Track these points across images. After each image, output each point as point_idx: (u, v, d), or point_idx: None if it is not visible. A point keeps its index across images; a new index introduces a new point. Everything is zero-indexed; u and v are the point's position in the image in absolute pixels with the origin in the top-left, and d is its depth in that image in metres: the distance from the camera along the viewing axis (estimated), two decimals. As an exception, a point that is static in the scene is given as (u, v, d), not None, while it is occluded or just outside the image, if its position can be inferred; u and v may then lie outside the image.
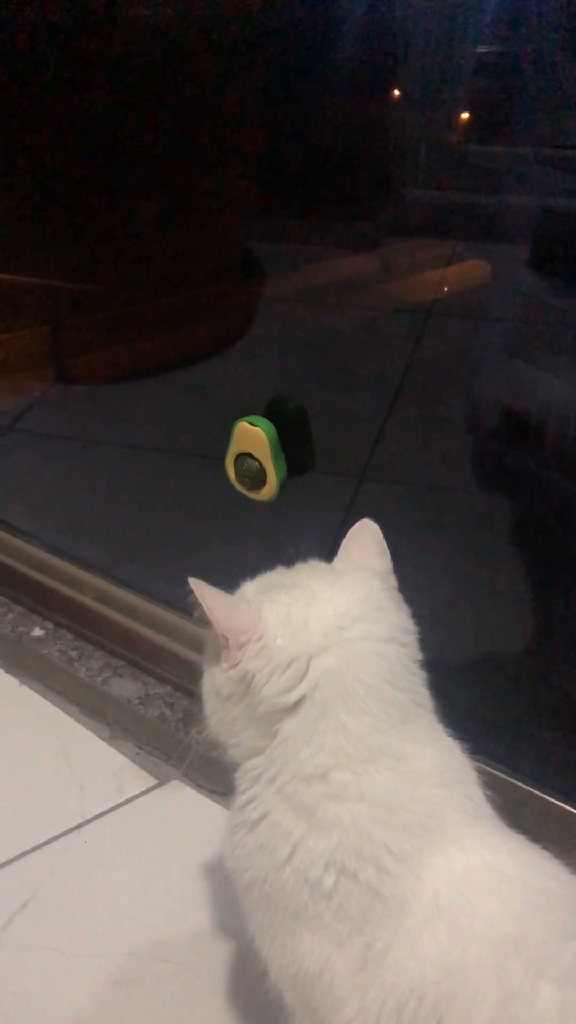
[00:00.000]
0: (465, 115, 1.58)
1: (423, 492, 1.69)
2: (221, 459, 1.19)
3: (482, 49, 1.50)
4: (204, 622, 0.79)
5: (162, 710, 1.42)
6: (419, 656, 0.81)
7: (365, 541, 0.87)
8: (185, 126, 1.87)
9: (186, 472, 1.86)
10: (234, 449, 1.15)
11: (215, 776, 1.32)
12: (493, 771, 1.10)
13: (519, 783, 1.20)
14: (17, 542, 1.69)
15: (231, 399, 1.88)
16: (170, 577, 1.57)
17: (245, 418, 1.13)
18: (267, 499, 1.15)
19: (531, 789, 1.20)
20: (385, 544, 0.87)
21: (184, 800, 1.33)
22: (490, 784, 0.81)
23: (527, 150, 1.51)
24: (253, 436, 1.12)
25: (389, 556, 0.86)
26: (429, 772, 0.76)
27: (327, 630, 0.77)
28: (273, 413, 1.14)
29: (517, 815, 0.84)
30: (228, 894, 1.13)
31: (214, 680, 0.80)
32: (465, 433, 1.65)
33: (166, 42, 1.79)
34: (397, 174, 1.78)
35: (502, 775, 1.18)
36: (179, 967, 1.10)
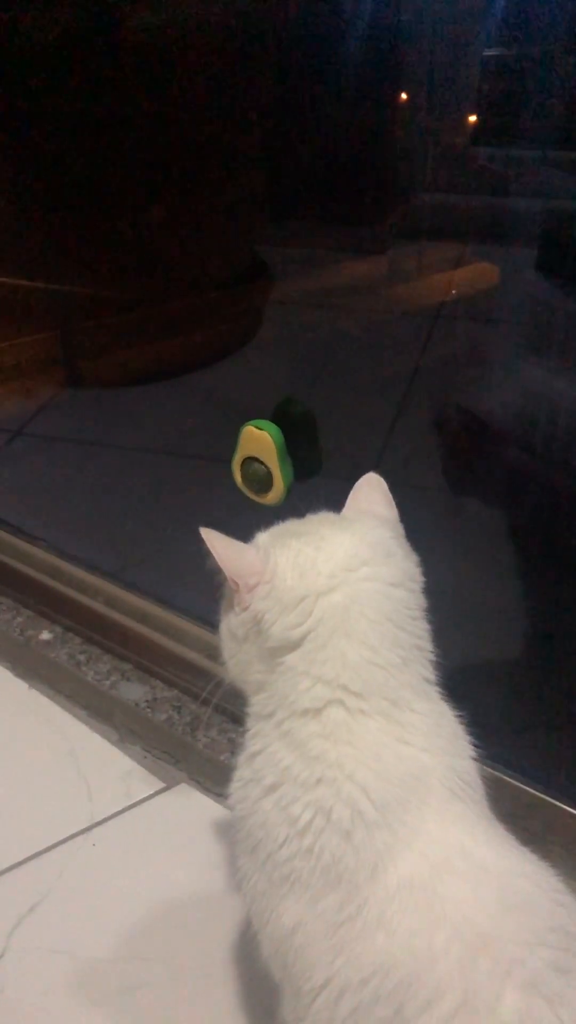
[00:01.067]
0: (472, 118, 1.58)
1: (432, 495, 1.69)
2: (228, 462, 1.19)
3: (489, 51, 1.51)
4: (216, 571, 0.81)
5: (170, 714, 1.42)
6: (424, 604, 0.83)
7: (372, 492, 0.89)
8: (193, 130, 1.87)
9: (195, 476, 1.86)
10: (241, 453, 1.15)
11: (223, 779, 1.32)
12: (500, 776, 1.11)
13: (526, 788, 1.20)
14: (26, 546, 1.69)
15: (239, 402, 1.88)
16: (178, 581, 1.59)
17: (252, 422, 1.13)
18: (274, 503, 1.15)
19: (539, 794, 1.19)
20: (391, 495, 0.89)
21: (192, 803, 1.33)
22: (497, 789, 0.81)
23: (534, 152, 1.51)
24: (260, 440, 1.12)
25: (395, 506, 0.88)
26: (419, 729, 0.78)
27: (335, 571, 0.79)
28: (280, 417, 1.14)
29: (525, 820, 0.84)
30: (239, 897, 1.15)
31: (229, 624, 0.84)
32: (454, 436, 1.64)
33: (174, 46, 1.80)
34: (405, 177, 1.78)
35: (509, 779, 1.18)
36: (188, 971, 1.10)
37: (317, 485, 1.31)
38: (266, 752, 0.80)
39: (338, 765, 0.75)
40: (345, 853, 0.73)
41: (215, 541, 0.79)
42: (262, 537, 0.85)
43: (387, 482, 0.91)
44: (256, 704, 0.83)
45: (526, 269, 1.61)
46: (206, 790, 1.34)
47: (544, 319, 1.61)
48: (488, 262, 1.81)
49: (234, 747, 1.35)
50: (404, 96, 1.67)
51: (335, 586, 0.78)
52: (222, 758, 1.34)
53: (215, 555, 0.79)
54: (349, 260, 2.07)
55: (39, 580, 1.65)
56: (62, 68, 1.82)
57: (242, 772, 0.83)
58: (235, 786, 0.84)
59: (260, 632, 0.80)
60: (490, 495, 1.51)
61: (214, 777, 1.34)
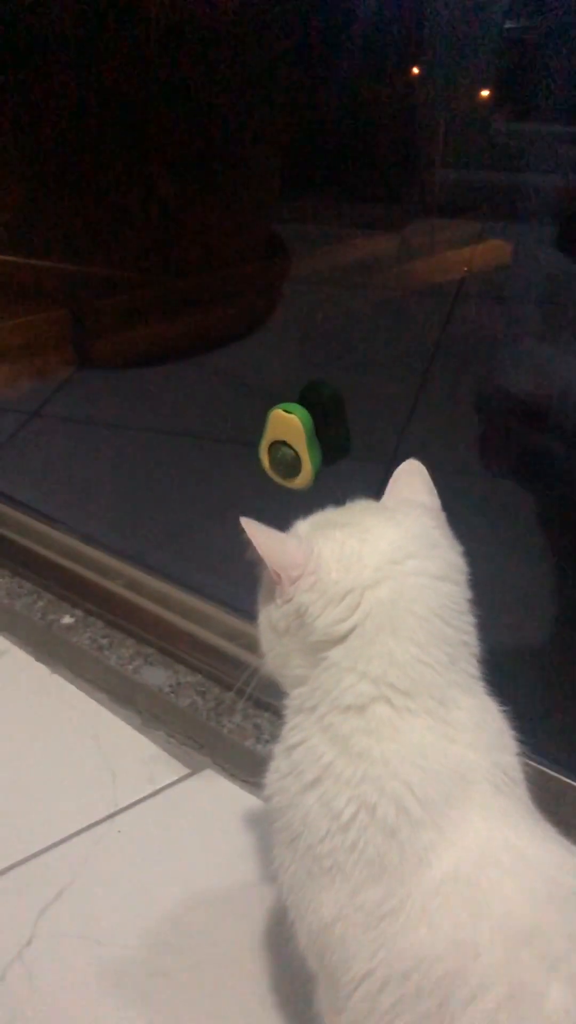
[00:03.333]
0: (488, 92, 1.56)
1: (454, 476, 1.66)
2: (251, 445, 1.17)
3: (509, 24, 1.48)
4: (257, 562, 0.79)
5: (193, 699, 1.41)
6: (469, 596, 0.81)
7: (413, 479, 0.87)
8: (206, 105, 1.85)
9: (215, 458, 1.85)
10: (268, 437, 1.13)
11: (248, 765, 1.31)
12: (529, 762, 1.09)
13: (556, 774, 1.18)
14: (46, 529, 1.68)
15: (258, 383, 1.87)
16: (201, 564, 1.57)
17: (280, 405, 1.11)
18: (302, 487, 1.13)
19: (569, 780, 1.18)
20: (432, 483, 0.87)
21: (217, 789, 1.32)
22: (527, 776, 0.80)
23: (555, 128, 1.49)
24: (288, 424, 1.10)
25: (437, 494, 0.86)
26: (465, 726, 0.76)
27: (381, 564, 0.77)
28: (308, 400, 1.12)
29: (556, 806, 0.82)
30: (265, 885, 1.14)
31: (269, 616, 0.82)
32: (482, 415, 1.62)
33: (187, 17, 1.77)
34: (423, 153, 1.76)
35: (538, 766, 1.16)
36: (214, 960, 1.10)
37: (339, 468, 1.29)
38: (306, 746, 0.79)
39: (383, 762, 0.74)
40: (389, 849, 0.72)
41: (256, 531, 0.77)
42: (302, 526, 0.83)
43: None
44: (296, 697, 0.81)
45: (544, 246, 1.59)
46: (231, 776, 1.33)
47: (565, 296, 1.60)
48: (506, 239, 1.79)
49: (259, 732, 1.34)
50: (415, 71, 1.64)
51: (381, 580, 0.76)
52: (247, 744, 1.33)
53: (256, 546, 0.77)
54: (366, 237, 2.04)
55: (60, 563, 1.63)
56: (73, 44, 1.80)
57: (279, 763, 0.82)
58: (272, 777, 0.82)
59: (303, 626, 0.78)
60: (523, 476, 1.48)
61: (239, 763, 1.33)
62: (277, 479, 1.14)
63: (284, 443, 1.11)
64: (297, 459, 1.11)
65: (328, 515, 0.84)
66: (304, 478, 1.12)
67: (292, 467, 1.12)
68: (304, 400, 1.12)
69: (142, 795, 1.31)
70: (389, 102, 1.71)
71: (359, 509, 0.84)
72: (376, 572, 0.77)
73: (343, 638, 0.77)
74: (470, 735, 0.76)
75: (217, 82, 1.82)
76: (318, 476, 1.12)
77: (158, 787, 1.33)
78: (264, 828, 0.91)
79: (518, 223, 1.69)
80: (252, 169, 1.97)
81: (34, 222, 2.00)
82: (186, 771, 1.35)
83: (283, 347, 2.02)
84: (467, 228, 1.91)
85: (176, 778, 1.34)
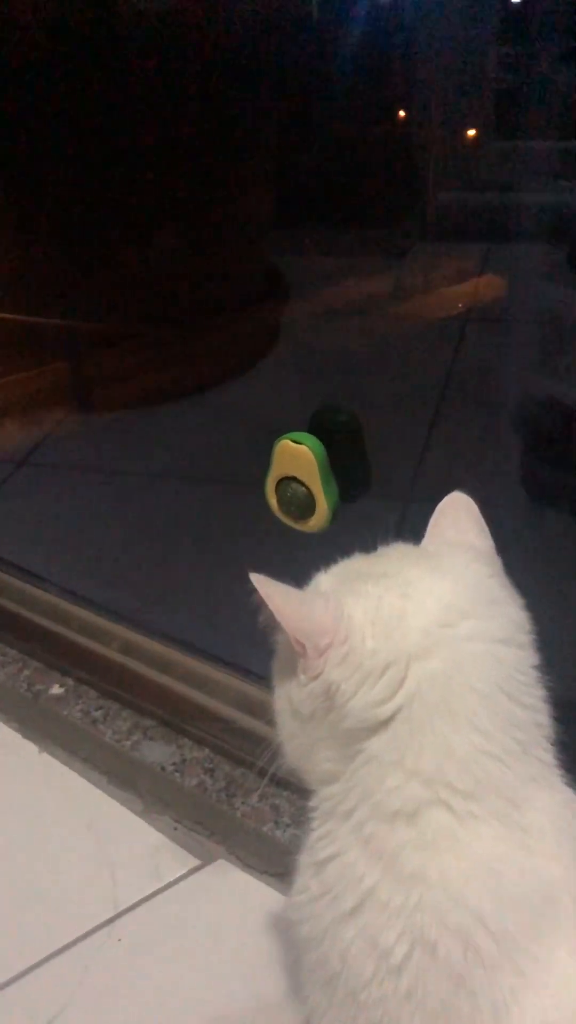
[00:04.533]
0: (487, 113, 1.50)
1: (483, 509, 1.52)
2: (255, 485, 1.02)
3: (504, 47, 1.40)
4: (272, 627, 0.64)
5: (201, 778, 1.24)
6: (536, 661, 0.64)
7: (460, 516, 0.71)
8: (197, 147, 1.78)
9: (218, 501, 1.70)
10: (275, 472, 0.97)
11: (267, 853, 1.14)
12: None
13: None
14: (31, 589, 1.52)
15: (262, 419, 1.72)
16: (206, 623, 1.41)
17: (288, 435, 0.95)
18: (317, 529, 0.97)
19: None
20: (483, 519, 0.70)
21: (232, 883, 1.15)
22: None
23: (558, 144, 1.40)
24: (298, 456, 0.94)
25: (489, 533, 0.70)
26: (545, 831, 0.59)
27: (429, 627, 0.61)
28: (320, 428, 0.96)
29: None
30: (290, 1004, 0.96)
31: (289, 697, 0.65)
32: (525, 432, 1.48)
33: (175, 52, 1.69)
34: (423, 176, 1.68)
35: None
36: None
37: (352, 507, 1.14)
38: (341, 862, 0.62)
39: (442, 885, 0.57)
40: (456, 999, 0.55)
41: (271, 590, 0.61)
42: (326, 581, 0.67)
43: (428, 497, 0.73)
44: (325, 799, 0.64)
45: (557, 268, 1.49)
46: (248, 867, 1.16)
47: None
48: (511, 263, 1.68)
49: (279, 815, 1.17)
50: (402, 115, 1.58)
51: (431, 648, 0.60)
52: (265, 829, 1.16)
53: (272, 609, 0.61)
54: (368, 266, 1.94)
55: (47, 627, 1.47)
56: (61, 97, 1.73)
57: (308, 882, 0.65)
58: (300, 899, 0.65)
59: (333, 709, 0.61)
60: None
61: (256, 851, 1.16)
62: (288, 521, 0.98)
63: (294, 479, 0.96)
64: (310, 497, 0.95)
65: (357, 565, 0.68)
66: (319, 519, 0.96)
67: (305, 506, 0.96)
68: (315, 428, 0.97)
69: (146, 893, 1.14)
70: (383, 128, 1.64)
71: (395, 556, 0.68)
72: (424, 638, 0.60)
73: (385, 724, 0.60)
74: (552, 843, 0.59)
75: (214, 132, 1.74)
76: (335, 516, 0.96)
77: (164, 883, 1.15)
78: (288, 935, 0.73)
79: (524, 244, 1.59)
80: (247, 204, 1.89)
81: (30, 278, 1.92)
82: (195, 863, 1.17)
83: (288, 381, 1.89)
84: (473, 253, 1.82)
85: (184, 871, 1.16)
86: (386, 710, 0.60)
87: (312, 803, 0.66)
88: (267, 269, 2.01)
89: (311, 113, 1.66)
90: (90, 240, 1.86)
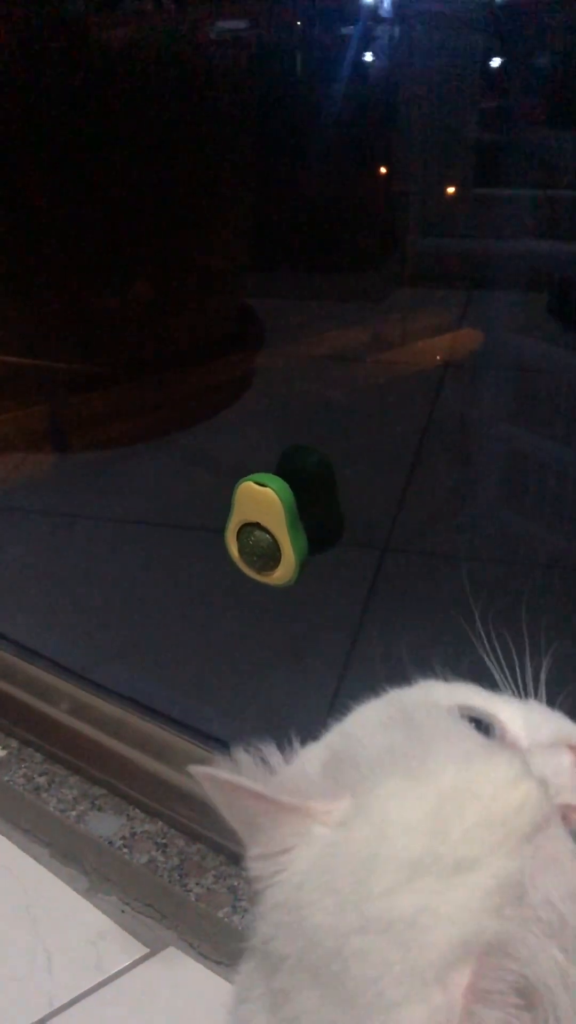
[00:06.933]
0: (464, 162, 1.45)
1: (455, 563, 1.44)
2: (220, 531, 0.92)
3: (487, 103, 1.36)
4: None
5: (152, 854, 1.12)
6: None
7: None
8: (184, 206, 1.72)
9: (183, 548, 1.59)
10: (237, 518, 0.87)
11: (221, 940, 1.03)
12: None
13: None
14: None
15: (231, 461, 1.64)
16: (163, 681, 1.30)
17: (251, 476, 0.86)
18: (282, 583, 0.87)
19: None
20: None
21: (183, 975, 1.03)
22: None
23: (536, 192, 1.35)
24: (262, 500, 0.85)
25: None
26: None
27: None
28: (288, 470, 0.87)
29: None
30: None
31: None
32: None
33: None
34: (401, 221, 1.63)
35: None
36: None
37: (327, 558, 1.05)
38: None
39: None
40: None
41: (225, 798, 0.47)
42: (315, 758, 0.50)
43: (405, 548, 0.62)
44: None
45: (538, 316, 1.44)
46: (201, 956, 1.04)
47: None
48: (492, 309, 1.63)
49: (236, 897, 1.06)
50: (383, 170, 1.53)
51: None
52: (220, 913, 1.04)
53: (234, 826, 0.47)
54: (346, 311, 1.87)
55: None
56: (38, 143, 1.67)
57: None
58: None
59: None
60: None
61: (210, 937, 1.04)
62: (249, 572, 0.89)
63: (257, 525, 0.86)
64: (275, 546, 0.85)
65: (386, 741, 0.47)
66: (285, 570, 0.86)
67: (268, 556, 0.86)
68: (283, 470, 0.87)
69: (84, 988, 1.02)
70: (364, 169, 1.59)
71: (456, 734, 0.47)
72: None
73: None
74: None
75: (196, 179, 1.69)
76: (303, 568, 0.87)
77: (106, 975, 1.03)
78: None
79: (506, 291, 1.54)
80: (222, 253, 1.84)
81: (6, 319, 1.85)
82: (143, 951, 1.05)
83: (260, 423, 1.81)
84: (453, 298, 1.76)
85: (130, 961, 1.04)
86: None
87: None
88: (242, 314, 1.95)
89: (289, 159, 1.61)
90: (61, 284, 1.80)
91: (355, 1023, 0.41)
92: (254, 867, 0.46)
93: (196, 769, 0.46)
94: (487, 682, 0.55)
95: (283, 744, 0.50)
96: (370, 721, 0.50)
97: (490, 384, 1.65)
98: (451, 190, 1.54)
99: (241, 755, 0.47)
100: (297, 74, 1.51)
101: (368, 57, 1.36)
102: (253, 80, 1.56)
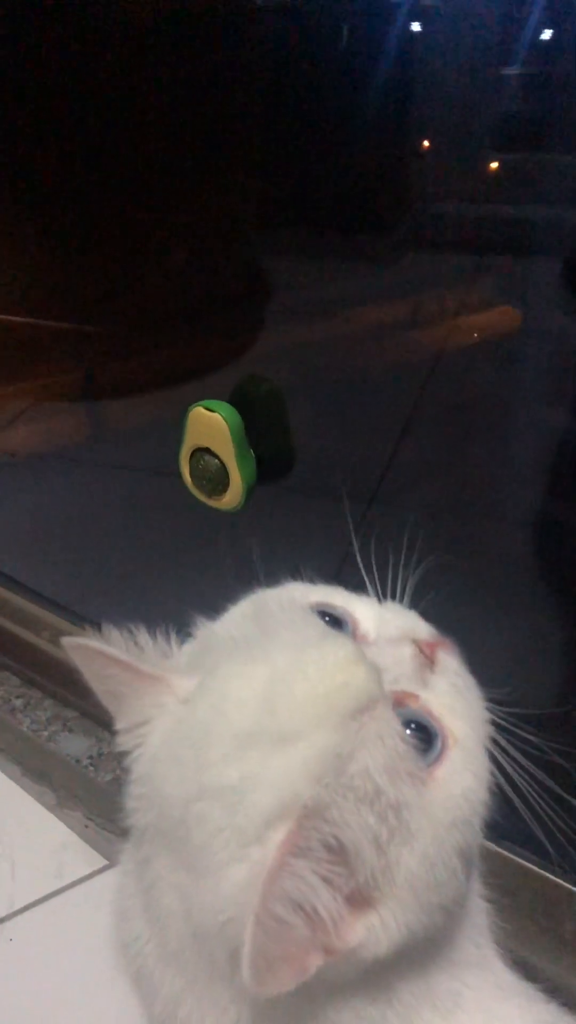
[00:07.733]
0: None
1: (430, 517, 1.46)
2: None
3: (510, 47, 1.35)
4: None
5: (116, 773, 1.17)
6: None
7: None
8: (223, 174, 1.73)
9: (167, 490, 1.63)
10: (189, 443, 0.91)
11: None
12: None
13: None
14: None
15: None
16: (140, 615, 1.34)
17: (201, 403, 0.89)
18: (231, 508, 0.91)
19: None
20: None
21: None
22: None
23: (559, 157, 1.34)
24: (211, 425, 0.88)
25: None
26: None
27: None
28: (240, 398, 0.90)
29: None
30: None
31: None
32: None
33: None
34: (417, 184, 1.63)
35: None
36: None
37: (312, 504, 1.08)
38: None
39: None
40: None
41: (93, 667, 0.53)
42: (186, 653, 0.54)
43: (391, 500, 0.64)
44: None
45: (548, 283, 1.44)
46: (156, 870, 1.08)
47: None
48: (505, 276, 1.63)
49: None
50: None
51: None
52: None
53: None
54: (356, 272, 1.88)
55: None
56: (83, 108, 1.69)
57: None
58: None
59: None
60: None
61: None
62: (200, 496, 0.92)
63: (208, 451, 0.89)
64: (223, 470, 0.89)
65: (239, 630, 0.53)
66: (233, 495, 0.89)
67: (217, 481, 0.89)
68: (235, 399, 0.90)
69: (44, 893, 1.07)
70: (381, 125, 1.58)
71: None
72: None
73: None
74: None
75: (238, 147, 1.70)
76: (250, 494, 0.90)
77: (66, 882, 1.08)
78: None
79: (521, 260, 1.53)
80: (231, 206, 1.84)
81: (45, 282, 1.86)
82: (103, 863, 1.10)
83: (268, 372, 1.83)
84: (464, 264, 1.76)
85: (89, 871, 1.09)
86: None
87: None
88: (249, 269, 1.95)
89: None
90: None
91: (195, 884, 0.45)
92: (121, 741, 0.50)
93: (67, 640, 0.50)
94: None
95: (155, 631, 0.54)
96: (234, 616, 0.54)
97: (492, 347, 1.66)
98: (470, 154, 1.54)
99: (112, 632, 0.51)
100: (343, 40, 1.51)
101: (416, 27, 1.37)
102: (293, 47, 1.56)
